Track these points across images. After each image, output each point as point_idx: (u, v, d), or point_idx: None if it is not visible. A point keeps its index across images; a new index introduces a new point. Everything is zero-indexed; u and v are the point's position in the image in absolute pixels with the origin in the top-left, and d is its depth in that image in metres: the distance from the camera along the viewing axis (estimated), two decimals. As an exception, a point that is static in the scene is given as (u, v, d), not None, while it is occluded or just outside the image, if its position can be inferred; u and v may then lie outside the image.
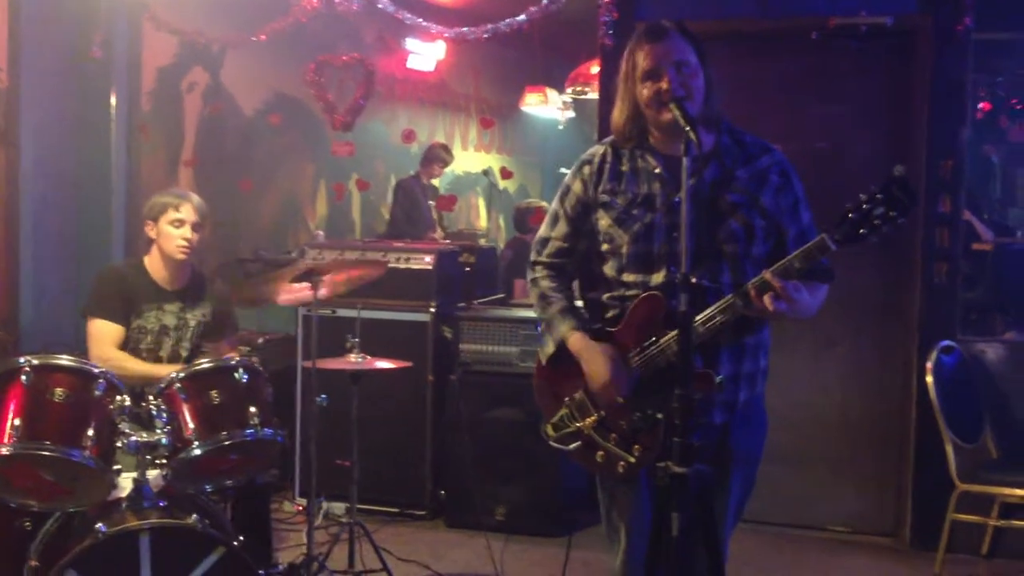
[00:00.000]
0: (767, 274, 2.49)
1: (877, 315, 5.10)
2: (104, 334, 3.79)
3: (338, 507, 4.95)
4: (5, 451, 3.00)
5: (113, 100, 6.06)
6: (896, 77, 5.02)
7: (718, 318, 2.56)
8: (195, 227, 3.86)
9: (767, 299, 2.48)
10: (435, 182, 8.17)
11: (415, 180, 7.86)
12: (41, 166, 5.82)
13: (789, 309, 2.50)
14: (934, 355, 4.53)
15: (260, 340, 5.39)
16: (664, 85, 2.61)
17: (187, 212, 3.85)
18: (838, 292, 2.88)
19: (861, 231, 2.41)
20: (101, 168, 6.05)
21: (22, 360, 3.12)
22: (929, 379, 4.45)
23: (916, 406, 4.81)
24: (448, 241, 6.87)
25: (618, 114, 2.75)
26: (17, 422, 3.02)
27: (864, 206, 2.39)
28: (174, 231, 3.84)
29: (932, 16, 4.78)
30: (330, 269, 3.95)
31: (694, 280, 2.34)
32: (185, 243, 3.84)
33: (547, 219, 2.91)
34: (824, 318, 4.96)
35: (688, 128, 2.43)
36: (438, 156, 7.94)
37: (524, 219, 6.97)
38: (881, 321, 5.09)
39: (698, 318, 2.53)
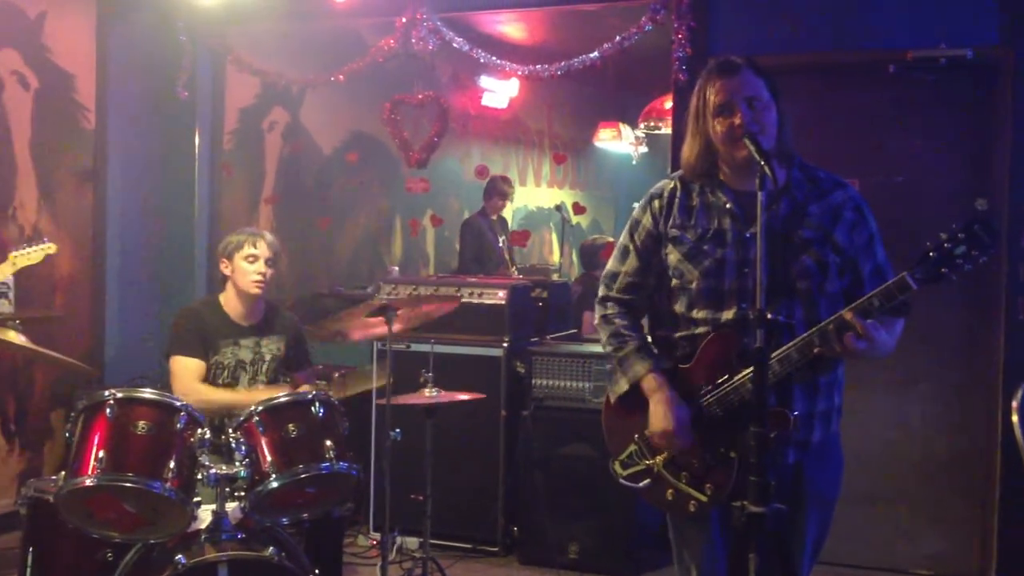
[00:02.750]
0: (847, 313, 2.45)
1: (960, 352, 4.97)
2: (186, 369, 3.89)
3: (412, 542, 4.96)
4: (89, 482, 3.08)
5: (197, 139, 6.25)
6: (976, 110, 4.93)
7: (795, 356, 2.52)
8: (268, 262, 3.97)
9: (847, 339, 2.45)
10: (506, 215, 8.16)
11: (481, 216, 7.82)
12: (127, 203, 6.02)
13: (869, 348, 2.46)
14: (1019, 393, 4.38)
15: (336, 374, 5.45)
16: (737, 120, 2.60)
17: (262, 248, 3.98)
18: (920, 329, 2.83)
19: (943, 270, 2.36)
20: (185, 205, 6.24)
21: (107, 393, 3.20)
22: (1014, 418, 4.30)
23: (1000, 445, 4.68)
24: (521, 277, 6.88)
25: (688, 150, 2.74)
26: (101, 454, 3.10)
27: (945, 245, 2.35)
28: (249, 267, 3.95)
29: (1013, 48, 4.69)
30: (403, 305, 4.00)
31: (769, 316, 2.32)
32: (260, 277, 3.95)
33: (615, 253, 2.88)
34: (906, 355, 4.88)
35: (763, 163, 2.41)
36: (497, 189, 7.80)
37: (595, 254, 6.95)
38: (964, 358, 4.97)
39: (773, 355, 2.50)
